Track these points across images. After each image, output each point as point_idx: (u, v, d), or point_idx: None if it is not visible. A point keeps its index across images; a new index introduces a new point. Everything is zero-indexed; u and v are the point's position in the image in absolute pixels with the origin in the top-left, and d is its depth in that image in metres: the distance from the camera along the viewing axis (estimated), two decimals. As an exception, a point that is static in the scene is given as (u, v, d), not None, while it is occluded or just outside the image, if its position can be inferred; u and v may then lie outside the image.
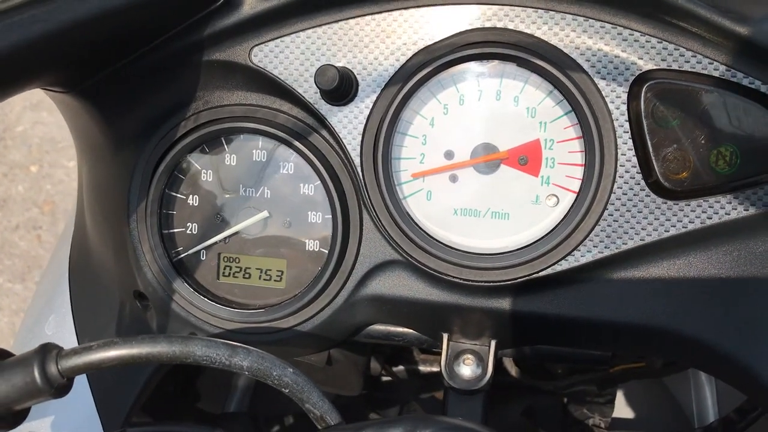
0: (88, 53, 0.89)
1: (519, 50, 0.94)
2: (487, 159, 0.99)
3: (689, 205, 0.94)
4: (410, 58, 0.96)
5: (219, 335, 1.08)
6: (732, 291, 0.96)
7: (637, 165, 0.93)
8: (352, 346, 1.31)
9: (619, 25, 0.92)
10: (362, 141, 0.99)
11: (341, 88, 0.94)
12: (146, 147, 1.05)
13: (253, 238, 1.08)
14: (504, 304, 1.00)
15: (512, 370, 1.44)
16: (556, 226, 0.98)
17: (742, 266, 0.95)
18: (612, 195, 0.94)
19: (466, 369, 1.05)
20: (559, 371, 1.48)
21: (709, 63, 0.90)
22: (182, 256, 1.09)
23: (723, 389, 1.62)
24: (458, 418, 1.03)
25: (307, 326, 1.06)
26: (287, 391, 0.75)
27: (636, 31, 0.92)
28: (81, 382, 1.07)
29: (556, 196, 0.98)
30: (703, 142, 0.91)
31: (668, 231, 0.94)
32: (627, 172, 0.94)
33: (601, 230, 0.96)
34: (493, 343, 1.04)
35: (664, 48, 0.91)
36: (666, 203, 0.94)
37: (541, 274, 0.97)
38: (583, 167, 0.96)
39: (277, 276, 1.07)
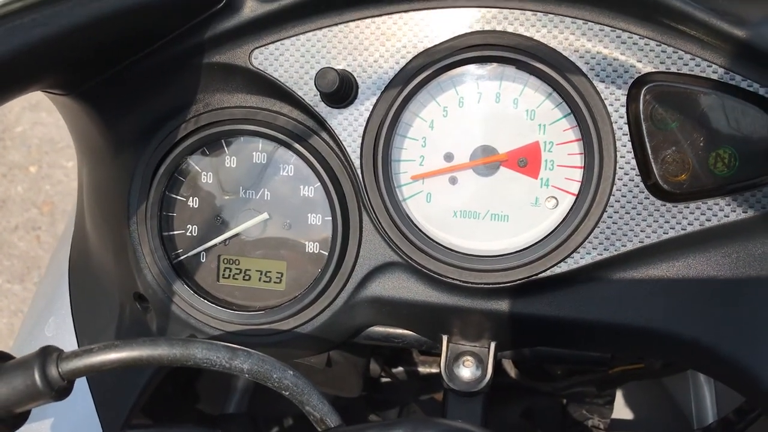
0: (88, 56, 0.89)
1: (518, 53, 0.94)
2: (487, 161, 0.99)
3: (688, 207, 0.94)
4: (410, 60, 0.97)
5: (219, 337, 1.09)
6: (731, 293, 0.96)
7: (636, 167, 0.94)
8: (351, 347, 1.31)
9: (618, 28, 0.92)
10: (362, 143, 0.99)
11: (341, 90, 0.95)
12: (146, 149, 1.06)
13: (253, 240, 1.08)
14: (503, 306, 1.00)
15: (511, 371, 1.44)
16: (556, 228, 0.98)
17: (741, 268, 0.95)
18: (611, 197, 0.95)
19: (466, 371, 1.05)
20: (558, 372, 1.48)
21: (708, 66, 0.91)
22: (182, 258, 1.09)
23: (722, 390, 1.62)
24: (458, 420, 1.04)
25: (306, 328, 1.07)
26: (287, 393, 0.75)
27: (635, 34, 0.92)
28: (81, 384, 1.07)
29: (556, 198, 0.98)
30: (701, 144, 0.91)
31: (667, 233, 0.95)
32: (626, 174, 0.94)
33: (600, 232, 0.96)
34: (492, 344, 1.05)
35: (662, 51, 0.91)
36: (665, 205, 0.94)
37: (540, 276, 0.98)
38: (582, 169, 0.97)
39: (276, 278, 1.08)
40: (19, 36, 0.73)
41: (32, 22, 0.74)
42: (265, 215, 1.06)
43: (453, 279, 1.00)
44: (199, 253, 1.09)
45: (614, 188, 0.94)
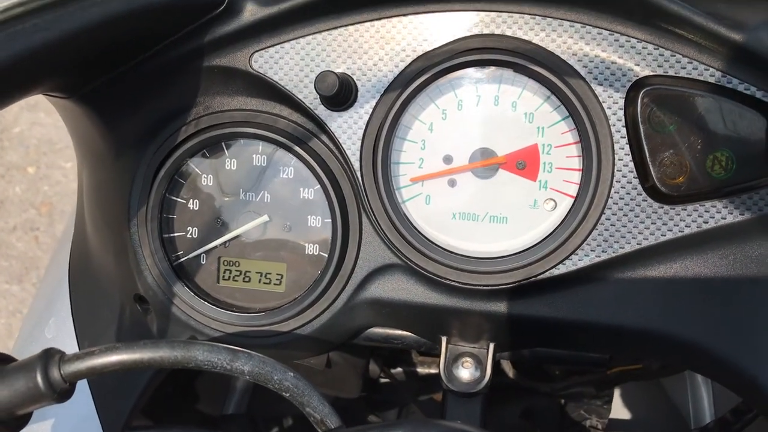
0: (89, 60, 0.89)
1: (517, 56, 0.95)
2: (486, 163, 1.00)
3: (686, 209, 0.94)
4: (409, 64, 0.97)
5: (219, 339, 1.09)
6: (728, 294, 0.97)
7: (634, 170, 0.94)
8: (351, 348, 1.31)
9: (616, 32, 0.93)
10: (362, 146, 0.99)
11: (341, 93, 0.95)
12: (147, 152, 1.06)
13: (253, 242, 1.08)
14: (502, 307, 1.01)
15: (510, 372, 1.45)
16: (554, 230, 0.98)
17: (738, 270, 0.96)
18: (609, 199, 0.95)
19: (465, 372, 1.06)
20: (556, 373, 1.49)
21: (705, 69, 0.91)
22: (182, 260, 1.10)
23: (719, 390, 1.63)
24: (457, 421, 1.04)
25: (306, 329, 1.07)
26: (288, 395, 0.76)
27: (633, 37, 0.92)
28: (81, 386, 1.07)
29: (554, 201, 0.99)
30: (699, 147, 0.92)
31: (665, 235, 0.95)
32: (624, 176, 0.95)
33: (599, 234, 0.96)
34: (491, 346, 1.05)
35: (660, 54, 0.92)
36: (663, 208, 0.95)
37: (539, 277, 0.98)
38: (580, 172, 0.97)
39: (276, 279, 1.08)
40: (20, 41, 0.73)
41: (34, 27, 0.74)
42: (265, 217, 1.07)
43: (452, 281, 1.00)
44: (200, 255, 1.09)
45: (612, 190, 0.95)
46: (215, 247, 1.09)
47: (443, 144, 1.00)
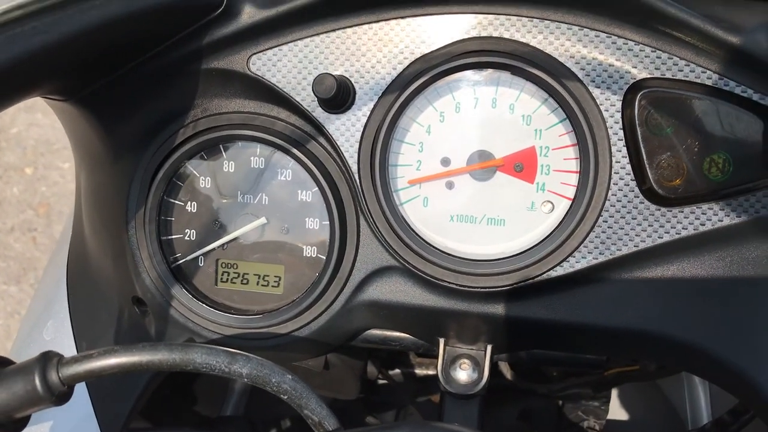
0: (87, 63, 0.89)
1: (514, 59, 0.95)
2: (483, 166, 1.00)
3: (683, 211, 0.95)
4: (407, 66, 0.97)
5: (217, 341, 1.09)
6: (725, 296, 0.97)
7: (631, 172, 0.94)
8: (349, 350, 1.31)
9: (614, 35, 0.93)
10: (359, 148, 1.00)
11: (339, 96, 0.95)
12: (145, 154, 1.06)
13: (251, 244, 1.08)
14: (500, 309, 1.01)
15: (508, 373, 1.45)
16: (552, 233, 0.99)
17: (735, 272, 0.96)
18: (606, 202, 0.95)
19: (463, 374, 1.06)
20: (554, 374, 1.49)
21: (702, 72, 0.91)
22: (180, 262, 1.10)
23: (716, 391, 1.63)
24: (455, 423, 1.05)
25: (304, 332, 1.07)
26: (286, 397, 0.76)
27: (630, 40, 0.93)
28: (79, 388, 1.07)
29: (552, 203, 0.99)
30: (696, 149, 0.92)
31: (662, 237, 0.95)
32: (621, 179, 0.95)
33: (596, 236, 0.97)
34: (489, 347, 1.05)
35: (657, 57, 0.92)
36: (660, 210, 0.95)
37: (536, 279, 0.98)
38: (577, 174, 0.97)
39: (274, 282, 1.08)
40: (19, 44, 0.73)
41: (32, 29, 0.74)
42: (263, 219, 1.07)
43: (450, 283, 1.00)
44: (198, 257, 1.09)
45: (609, 193, 0.95)
46: (213, 249, 1.09)
47: (441, 146, 1.00)
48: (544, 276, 0.98)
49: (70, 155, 1.10)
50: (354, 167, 1.00)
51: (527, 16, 0.94)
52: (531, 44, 0.95)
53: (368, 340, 1.11)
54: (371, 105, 0.98)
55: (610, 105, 0.94)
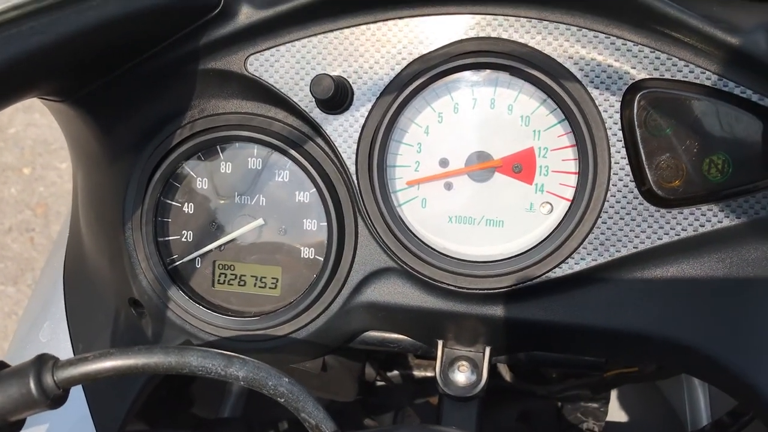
0: (84, 63, 0.89)
1: (513, 59, 0.94)
2: (482, 167, 0.99)
3: (682, 213, 0.94)
4: (405, 67, 0.97)
5: (214, 343, 1.08)
6: (725, 298, 0.96)
7: (630, 173, 0.94)
8: (347, 352, 1.31)
9: (612, 35, 0.93)
10: (357, 149, 0.99)
11: (337, 97, 0.95)
12: (142, 155, 1.05)
13: (248, 246, 1.08)
14: (498, 311, 1.01)
15: (507, 375, 1.45)
16: (550, 234, 0.98)
17: (735, 273, 0.96)
18: (605, 203, 0.95)
19: (461, 376, 1.05)
20: (553, 376, 1.49)
21: (701, 72, 0.91)
22: (177, 263, 1.09)
23: (715, 393, 1.63)
24: (452, 427, 1.04)
25: (302, 333, 1.07)
26: (283, 400, 0.75)
27: (629, 40, 0.92)
28: (76, 390, 1.07)
29: (550, 204, 0.99)
30: (695, 150, 0.92)
31: (661, 239, 0.95)
32: (620, 180, 0.94)
33: (595, 238, 0.96)
34: (487, 349, 1.05)
35: (656, 57, 0.92)
36: (659, 211, 0.95)
37: (535, 281, 0.98)
38: (576, 175, 0.97)
39: (272, 283, 1.08)
40: (16, 44, 0.73)
41: (30, 30, 0.74)
42: (260, 221, 1.06)
43: (448, 284, 1.00)
44: (195, 258, 1.09)
45: (608, 194, 0.95)
46: (210, 250, 1.08)
47: (439, 147, 1.00)
48: (543, 277, 0.98)
49: (67, 155, 1.10)
50: (352, 168, 1.00)
51: (525, 17, 0.94)
52: (529, 45, 0.94)
53: (366, 341, 1.11)
54: (369, 106, 0.98)
55: (609, 106, 0.93)
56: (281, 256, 1.07)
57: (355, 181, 1.00)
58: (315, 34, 0.98)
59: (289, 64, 0.99)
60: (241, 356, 0.75)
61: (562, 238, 0.97)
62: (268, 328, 1.06)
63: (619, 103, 0.93)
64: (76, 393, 1.07)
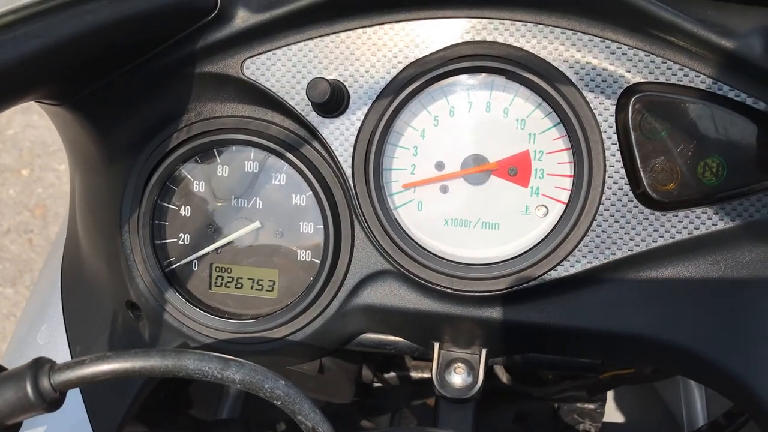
0: (81, 67, 0.89)
1: (508, 63, 0.95)
2: (478, 170, 1.00)
3: (677, 215, 0.95)
4: (401, 70, 0.97)
5: (211, 345, 1.09)
6: (719, 300, 0.97)
7: (625, 176, 0.94)
8: (343, 354, 1.31)
9: (607, 39, 0.93)
10: (354, 152, 0.99)
11: (333, 100, 0.95)
12: (139, 158, 1.06)
13: (245, 248, 1.08)
14: (494, 313, 1.01)
15: (503, 376, 1.45)
16: (546, 237, 0.99)
17: (729, 275, 0.96)
18: (600, 206, 0.95)
19: (457, 378, 1.06)
20: (549, 377, 1.49)
21: (696, 76, 0.91)
22: (174, 266, 1.09)
23: (712, 394, 1.63)
24: (449, 429, 1.04)
25: (299, 336, 1.07)
26: (279, 403, 0.75)
27: (624, 44, 0.93)
28: (73, 393, 1.07)
29: (546, 207, 0.99)
30: (690, 153, 0.92)
31: (656, 241, 0.95)
32: (615, 183, 0.95)
33: (590, 240, 0.97)
34: (483, 351, 1.05)
35: (651, 61, 0.92)
36: (654, 214, 0.95)
37: (530, 283, 0.98)
38: (572, 178, 0.97)
39: (269, 286, 1.08)
40: (11, 49, 0.73)
41: (25, 35, 0.74)
42: (257, 224, 1.07)
43: (444, 287, 1.00)
44: (192, 261, 1.09)
45: (603, 197, 0.95)
46: (207, 253, 1.08)
47: (435, 150, 1.00)
48: (539, 280, 0.98)
49: (66, 157, 1.10)
50: (348, 171, 1.00)
51: (521, 21, 0.94)
52: (525, 48, 0.95)
53: (363, 344, 1.11)
54: (365, 109, 0.98)
55: (603, 109, 0.93)
56: (278, 258, 1.07)
57: (352, 184, 1.00)
58: (311, 38, 0.98)
59: (286, 68, 0.99)
60: (237, 359, 0.75)
61: (557, 240, 0.97)
62: (265, 330, 1.07)
63: (614, 107, 0.93)
64: (74, 396, 1.08)
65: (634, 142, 0.93)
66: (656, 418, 1.74)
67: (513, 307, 1.01)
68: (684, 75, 0.92)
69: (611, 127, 0.94)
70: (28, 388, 0.71)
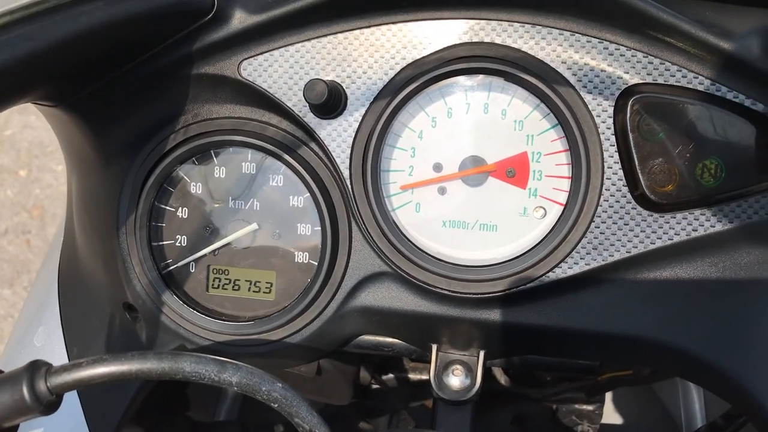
0: (77, 69, 0.89)
1: (506, 64, 0.95)
2: (475, 171, 0.99)
3: (675, 217, 0.95)
4: (399, 72, 0.97)
5: (208, 347, 1.08)
6: (717, 302, 0.97)
7: (623, 178, 0.94)
8: (341, 356, 1.31)
9: (605, 40, 0.93)
10: (351, 154, 0.99)
11: (330, 101, 0.95)
12: (136, 160, 1.05)
13: (243, 250, 1.08)
14: (492, 315, 1.01)
15: (501, 378, 1.45)
16: (544, 238, 0.98)
17: (728, 277, 0.96)
18: (598, 207, 0.95)
19: (455, 380, 1.05)
20: (547, 379, 1.49)
21: (694, 77, 0.91)
22: (171, 268, 1.09)
23: (710, 395, 1.63)
24: None
25: (296, 338, 1.07)
26: (276, 406, 0.75)
27: (622, 45, 0.92)
28: (70, 395, 1.07)
29: (544, 208, 0.99)
30: (688, 155, 0.92)
31: (654, 243, 0.95)
32: (613, 184, 0.95)
33: (588, 242, 0.96)
34: (481, 353, 1.05)
35: (649, 62, 0.92)
36: (652, 216, 0.95)
37: (528, 285, 0.98)
38: (570, 180, 0.97)
39: (266, 288, 1.08)
40: (6, 51, 0.73)
41: (20, 36, 0.74)
42: (254, 225, 1.07)
43: (442, 289, 1.00)
44: (189, 263, 1.09)
45: (602, 198, 0.95)
46: (204, 255, 1.08)
47: (433, 152, 1.00)
48: (537, 281, 0.98)
49: (63, 158, 1.10)
50: (346, 173, 1.00)
51: (519, 22, 0.94)
52: (523, 50, 0.95)
53: (361, 345, 1.11)
54: (363, 110, 0.98)
55: (602, 110, 0.93)
56: (275, 260, 1.07)
57: (349, 186, 1.00)
58: (308, 39, 0.98)
59: (283, 69, 0.99)
60: (234, 362, 0.75)
61: (555, 242, 0.97)
62: (263, 332, 1.06)
63: (612, 108, 0.93)
64: (71, 398, 1.07)
65: (632, 143, 0.93)
66: (654, 420, 1.74)
67: (511, 308, 1.00)
68: (682, 76, 0.92)
69: (609, 128, 0.93)
70: (25, 391, 0.71)
